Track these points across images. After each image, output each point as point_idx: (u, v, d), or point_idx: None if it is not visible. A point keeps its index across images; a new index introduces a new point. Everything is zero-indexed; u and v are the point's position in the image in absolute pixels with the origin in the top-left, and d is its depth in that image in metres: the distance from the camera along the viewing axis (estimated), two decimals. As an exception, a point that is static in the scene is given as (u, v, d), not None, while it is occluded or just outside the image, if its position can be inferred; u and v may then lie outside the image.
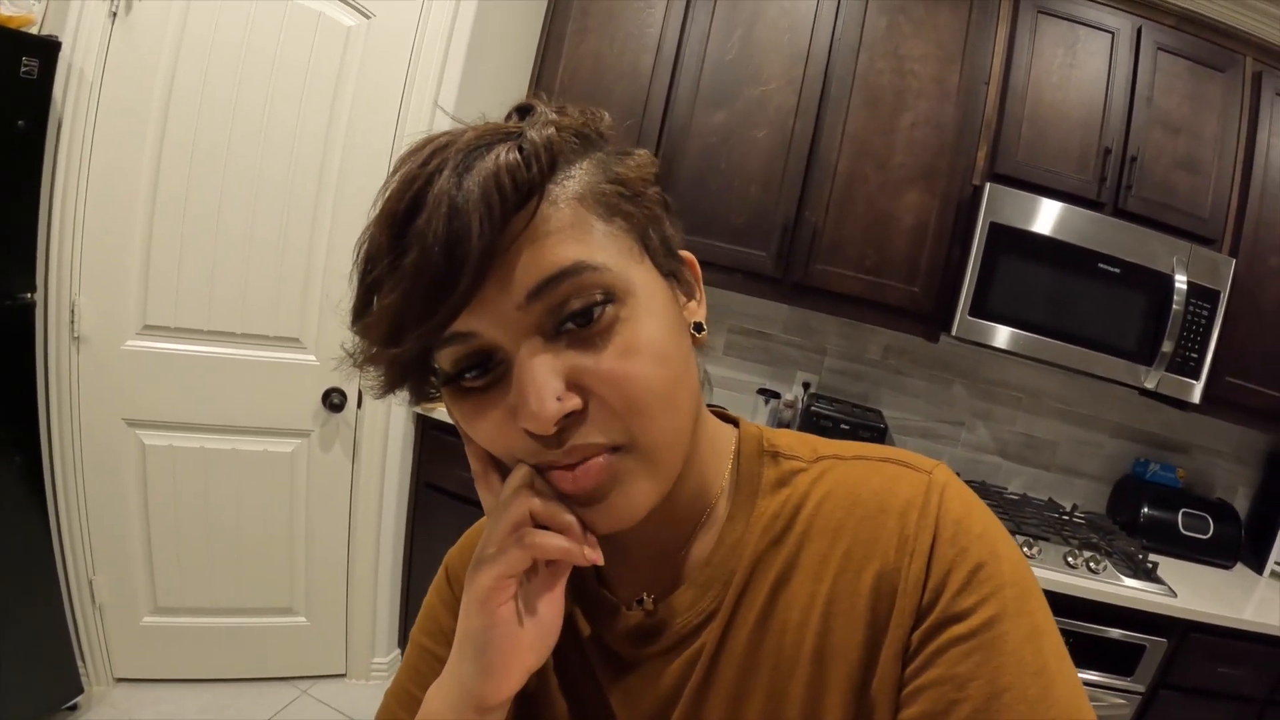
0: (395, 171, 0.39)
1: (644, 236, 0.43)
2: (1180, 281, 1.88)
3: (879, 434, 2.07)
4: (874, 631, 0.43)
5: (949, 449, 2.33)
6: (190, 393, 1.82)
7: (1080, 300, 1.91)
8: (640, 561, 0.50)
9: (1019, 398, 2.30)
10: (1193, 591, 1.86)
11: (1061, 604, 1.76)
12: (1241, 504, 2.31)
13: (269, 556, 1.96)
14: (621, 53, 2.03)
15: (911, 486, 0.45)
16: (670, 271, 0.45)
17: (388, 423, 1.94)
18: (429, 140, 0.39)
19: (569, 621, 0.51)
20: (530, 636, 0.43)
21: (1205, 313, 1.92)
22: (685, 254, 0.48)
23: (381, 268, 0.37)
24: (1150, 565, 1.90)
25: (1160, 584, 1.83)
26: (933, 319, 1.98)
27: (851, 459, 0.49)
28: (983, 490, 2.22)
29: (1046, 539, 1.86)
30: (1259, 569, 2.12)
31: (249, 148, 1.75)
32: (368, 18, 1.79)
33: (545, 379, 0.38)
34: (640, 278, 0.41)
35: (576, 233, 0.39)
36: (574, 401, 0.38)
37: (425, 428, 1.99)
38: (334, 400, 1.89)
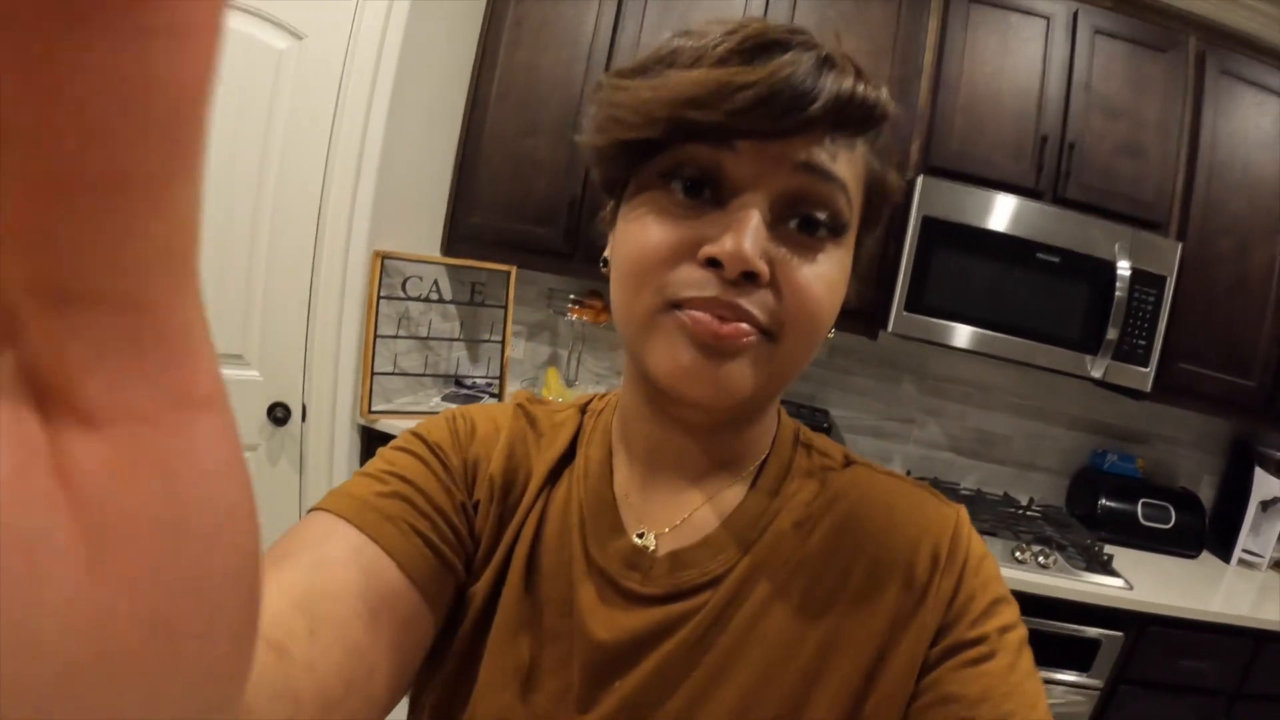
0: (739, 23, 0.41)
1: (864, 226, 0.47)
2: (1123, 268, 1.84)
3: (825, 433, 2.05)
4: (889, 639, 0.45)
5: (900, 447, 2.31)
6: (138, 411, 1.86)
7: (1020, 291, 1.89)
8: (664, 495, 0.51)
9: (969, 393, 2.27)
10: (1152, 583, 1.82)
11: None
12: (1208, 492, 2.25)
13: (222, 570, 1.99)
14: (555, 62, 2.05)
15: (944, 516, 0.50)
16: (857, 258, 0.48)
17: (332, 435, 1.97)
18: (794, 27, 0.42)
19: (571, 530, 0.50)
20: None
21: (1151, 298, 1.88)
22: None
23: (712, 51, 0.39)
24: (1106, 558, 1.86)
25: (1115, 576, 1.79)
26: (870, 316, 1.97)
27: (883, 474, 0.53)
28: (935, 486, 2.19)
29: (994, 534, 1.83)
30: (1227, 558, 2.07)
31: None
32: (299, 39, 1.83)
33: (760, 231, 0.40)
34: (850, 245, 0.45)
35: (852, 172, 0.43)
36: (765, 269, 0.40)
37: (370, 439, 2.01)
38: (278, 414, 1.92)
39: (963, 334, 1.89)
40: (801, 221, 0.42)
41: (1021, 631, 0.46)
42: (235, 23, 1.77)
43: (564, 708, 0.47)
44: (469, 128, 2.14)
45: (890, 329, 1.90)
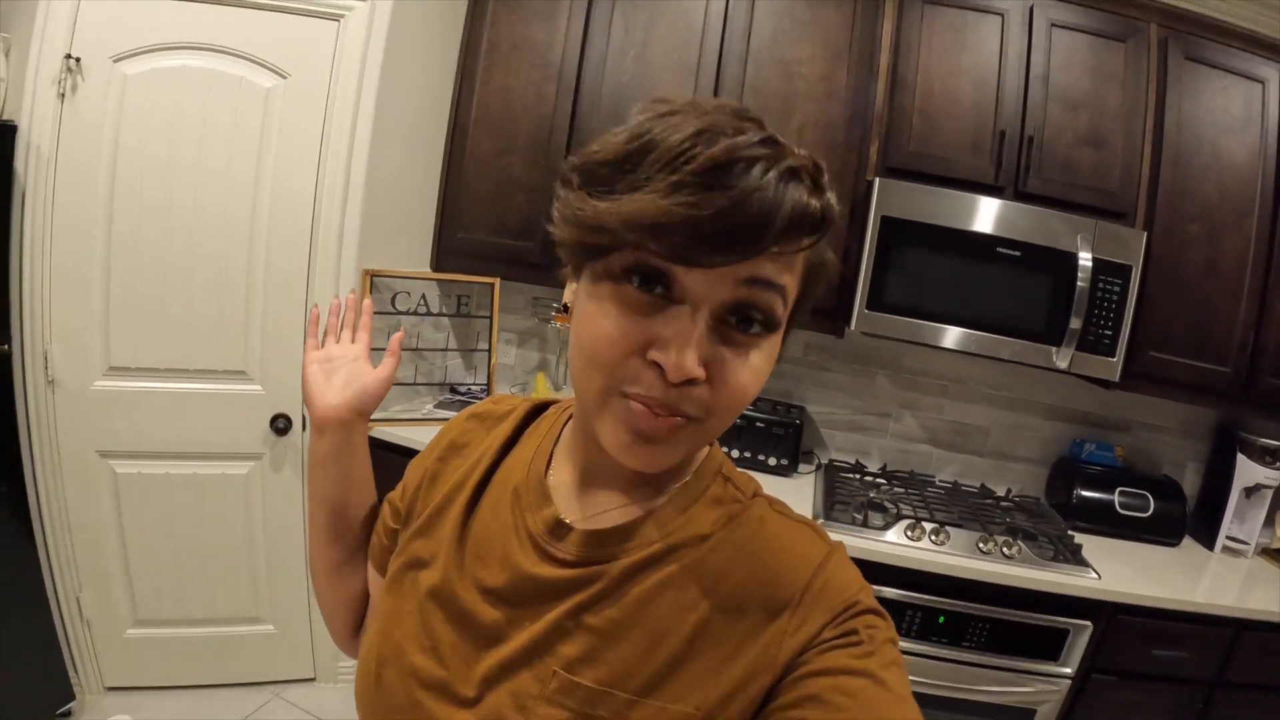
0: (708, 120, 0.44)
1: (800, 305, 0.53)
2: (1085, 259, 1.86)
3: (795, 430, 2.10)
4: (750, 635, 0.52)
5: (878, 440, 2.34)
6: (153, 425, 2.02)
7: (982, 286, 1.92)
8: (591, 495, 0.60)
9: (945, 386, 2.29)
10: (1124, 572, 1.83)
11: (976, 591, 1.76)
12: (1193, 480, 2.23)
13: (234, 570, 2.14)
14: (527, 84, 2.16)
15: (818, 548, 0.56)
16: (787, 335, 0.55)
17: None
18: (745, 119, 0.45)
19: (507, 499, 0.62)
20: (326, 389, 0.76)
21: (1116, 288, 1.89)
22: None
23: (668, 177, 0.42)
24: (1075, 547, 1.87)
25: (1084, 566, 1.81)
26: (834, 315, 2.01)
27: (777, 512, 0.60)
28: (910, 479, 2.22)
29: (959, 526, 1.86)
30: (1212, 545, 2.05)
31: (187, 203, 1.94)
32: (284, 78, 1.97)
33: (702, 341, 0.45)
34: (783, 328, 0.51)
35: (790, 272, 0.48)
36: (703, 374, 0.46)
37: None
38: (279, 425, 2.07)
39: (926, 330, 1.93)
40: (740, 319, 0.46)
41: (890, 633, 0.51)
42: (224, 65, 1.92)
43: (479, 639, 0.57)
44: (451, 150, 2.26)
45: (854, 327, 1.94)
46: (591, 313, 0.48)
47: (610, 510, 0.58)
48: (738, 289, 0.45)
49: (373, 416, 2.13)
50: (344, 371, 0.77)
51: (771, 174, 0.42)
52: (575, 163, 0.48)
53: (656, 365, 0.45)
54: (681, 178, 0.41)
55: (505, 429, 0.69)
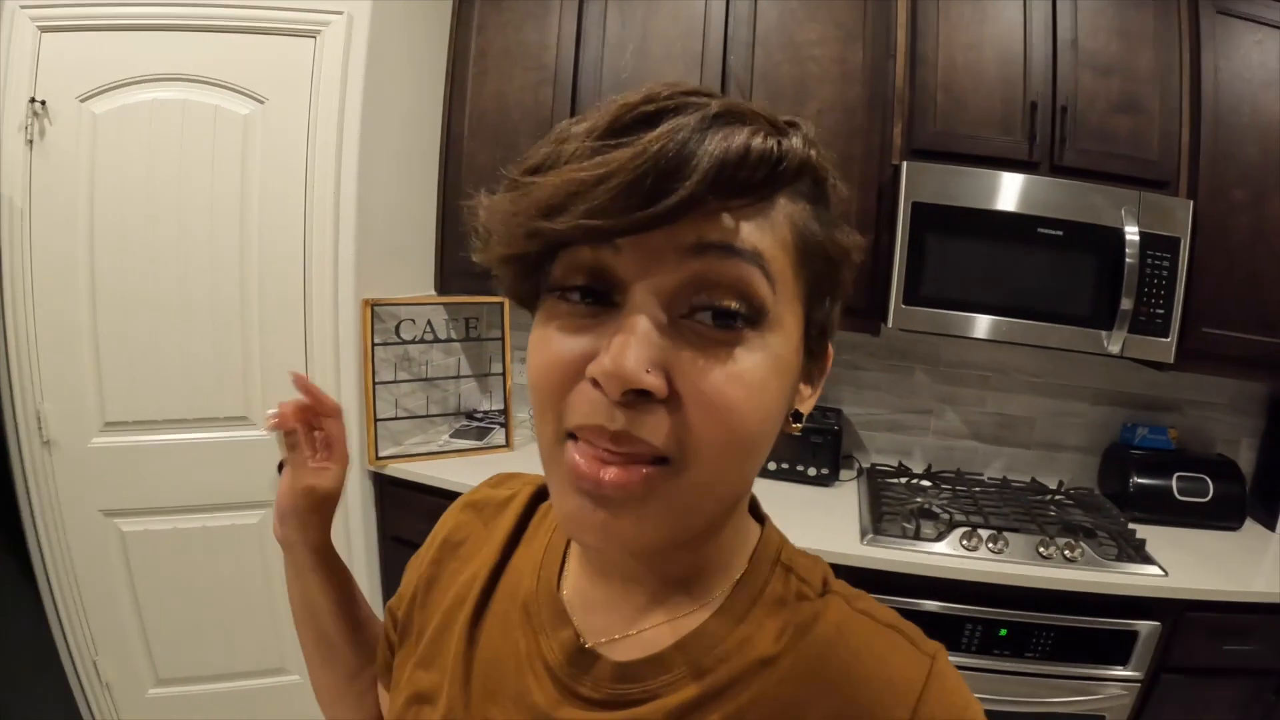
0: (638, 95, 0.35)
1: (812, 301, 0.41)
2: (1131, 233, 1.75)
3: (833, 435, 2.00)
4: None
5: (919, 439, 2.23)
6: (157, 479, 1.92)
7: (1024, 271, 1.80)
8: (616, 605, 0.47)
9: (985, 377, 2.17)
10: (1190, 564, 1.73)
11: (1038, 599, 1.66)
12: (1248, 456, 2.12)
13: (253, 621, 2.05)
14: (522, 87, 2.03)
15: (915, 666, 0.43)
16: (810, 349, 0.43)
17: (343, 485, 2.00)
18: (692, 87, 0.36)
19: (516, 615, 0.50)
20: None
21: (1166, 263, 1.78)
22: (829, 347, 0.46)
23: (582, 144, 0.34)
24: (1139, 543, 1.77)
25: (1149, 563, 1.71)
26: (868, 312, 1.90)
27: (858, 612, 0.46)
28: (957, 478, 2.12)
29: (1016, 530, 1.75)
30: (1272, 524, 1.95)
31: (171, 243, 1.83)
32: (262, 102, 1.85)
33: (648, 339, 0.34)
34: (788, 327, 0.38)
35: (771, 239, 0.36)
36: (658, 384, 0.34)
37: (383, 485, 2.04)
38: (289, 469, 1.96)
39: (968, 322, 1.82)
40: (715, 314, 0.35)
41: None
42: (197, 95, 1.81)
43: None
44: (447, 164, 2.14)
45: (890, 323, 1.83)
46: (533, 344, 0.39)
47: (645, 629, 0.45)
48: (686, 261, 0.34)
49: (386, 454, 2.02)
50: None
51: (695, 116, 0.33)
52: (505, 175, 0.38)
53: (598, 384, 0.34)
54: (592, 144, 0.34)
55: (507, 523, 0.56)
